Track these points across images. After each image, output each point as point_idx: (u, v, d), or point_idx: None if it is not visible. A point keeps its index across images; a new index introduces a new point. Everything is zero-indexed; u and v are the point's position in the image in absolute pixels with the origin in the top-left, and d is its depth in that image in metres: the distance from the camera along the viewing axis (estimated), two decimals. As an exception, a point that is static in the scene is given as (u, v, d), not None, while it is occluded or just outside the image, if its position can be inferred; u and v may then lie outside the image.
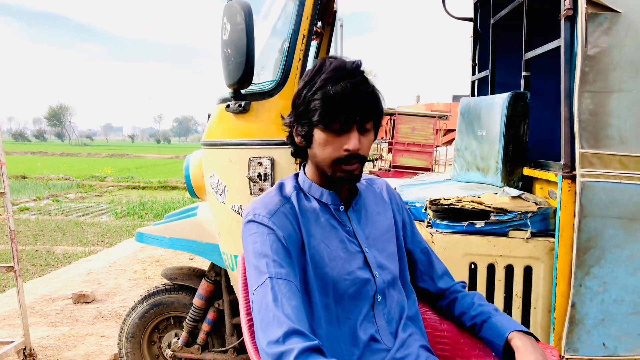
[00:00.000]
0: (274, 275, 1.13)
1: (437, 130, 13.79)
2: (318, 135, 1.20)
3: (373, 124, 1.23)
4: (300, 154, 1.31)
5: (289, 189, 1.32)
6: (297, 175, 1.36)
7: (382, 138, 16.48)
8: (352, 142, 1.17)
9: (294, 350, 1.01)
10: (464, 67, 3.50)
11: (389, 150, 13.95)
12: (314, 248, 1.23)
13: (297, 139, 1.28)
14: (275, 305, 1.09)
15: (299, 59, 2.01)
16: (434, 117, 13.68)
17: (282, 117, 1.32)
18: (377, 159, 14.94)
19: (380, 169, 14.12)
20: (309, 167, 1.32)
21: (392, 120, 13.79)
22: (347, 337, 1.23)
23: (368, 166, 15.86)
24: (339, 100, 1.15)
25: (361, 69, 1.20)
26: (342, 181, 1.23)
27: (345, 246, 1.27)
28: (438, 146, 14.28)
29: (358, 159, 1.20)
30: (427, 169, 12.86)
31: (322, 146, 1.20)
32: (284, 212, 1.24)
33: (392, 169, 13.17)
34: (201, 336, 2.53)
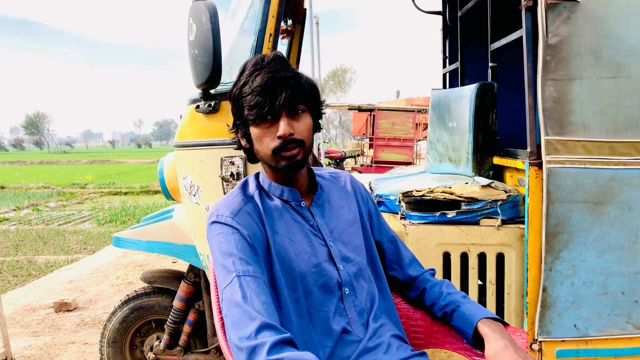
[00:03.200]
0: (242, 273, 1.15)
1: (416, 124, 13.90)
2: (253, 131, 1.23)
3: (306, 107, 1.24)
4: (252, 156, 1.33)
5: (252, 188, 1.33)
6: (258, 174, 1.38)
7: (363, 134, 16.56)
8: (281, 126, 1.19)
9: (266, 343, 1.02)
10: (440, 61, 3.54)
11: (370, 146, 14.02)
12: (279, 244, 1.25)
13: (242, 142, 1.31)
14: (244, 301, 1.10)
15: (267, 58, 2.02)
16: (413, 111, 13.79)
17: (228, 126, 1.34)
18: (358, 155, 15.01)
19: (362, 165, 14.19)
20: (264, 167, 1.34)
21: (372, 116, 13.86)
22: (319, 330, 1.25)
23: (350, 162, 15.93)
24: (259, 90, 1.18)
25: (281, 59, 1.23)
26: (286, 169, 1.24)
27: (310, 240, 1.29)
28: (419, 140, 14.38)
29: (296, 143, 1.21)
30: (409, 163, 12.95)
31: (259, 140, 1.23)
32: (247, 211, 1.25)
33: (373, 165, 13.24)
34: (183, 338, 2.52)
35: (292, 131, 1.20)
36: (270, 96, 1.18)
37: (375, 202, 2.07)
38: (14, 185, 17.77)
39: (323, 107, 1.34)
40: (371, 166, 13.30)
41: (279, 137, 1.20)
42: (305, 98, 1.23)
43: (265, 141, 1.22)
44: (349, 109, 15.02)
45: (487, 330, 1.25)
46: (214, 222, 1.24)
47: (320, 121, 1.35)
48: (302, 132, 1.22)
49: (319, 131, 1.34)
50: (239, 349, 1.06)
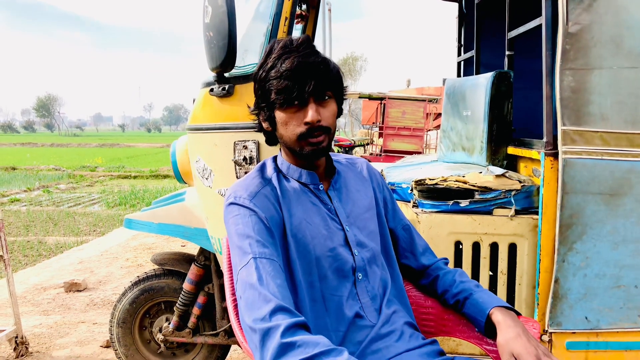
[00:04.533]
0: (258, 255, 1.15)
1: (427, 114, 13.81)
2: (279, 115, 1.22)
3: (332, 94, 1.24)
4: (272, 139, 1.33)
5: (270, 170, 1.33)
6: (276, 157, 1.37)
7: (373, 123, 16.49)
8: (310, 113, 1.18)
9: (280, 325, 1.03)
10: (454, 50, 3.50)
11: (380, 135, 13.96)
12: (296, 227, 1.25)
13: (264, 125, 1.30)
14: (260, 284, 1.10)
15: (282, 41, 2.01)
16: (424, 100, 13.69)
17: (249, 107, 1.33)
18: (368, 144, 14.96)
19: (371, 154, 14.15)
20: (284, 150, 1.34)
21: (383, 105, 13.78)
22: (332, 314, 1.25)
23: (359, 151, 15.89)
24: (289, 75, 1.16)
25: (310, 43, 1.22)
26: (311, 155, 1.24)
27: (327, 224, 1.29)
28: (429, 130, 14.31)
29: (322, 130, 1.21)
30: (418, 153, 12.90)
31: (285, 125, 1.22)
32: (264, 194, 1.25)
33: (383, 154, 13.20)
34: (192, 320, 2.54)
35: (319, 118, 1.19)
36: (299, 81, 1.17)
37: (389, 189, 2.06)
38: (25, 166, 17.92)
39: (346, 93, 1.33)
40: (380, 155, 13.26)
41: (306, 124, 1.19)
42: (332, 84, 1.23)
43: (291, 126, 1.21)
44: (359, 97, 14.96)
45: (500, 318, 1.24)
46: (231, 203, 1.24)
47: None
48: (328, 118, 1.22)
49: (340, 116, 1.33)
50: (252, 331, 1.06)
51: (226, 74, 2.01)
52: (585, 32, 1.82)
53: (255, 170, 1.34)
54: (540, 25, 1.98)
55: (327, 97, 1.22)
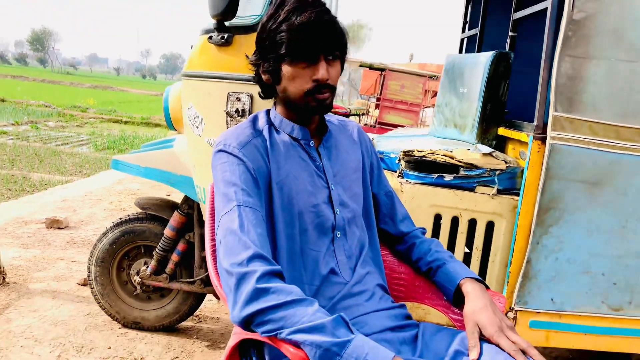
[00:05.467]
0: (242, 203, 1.17)
1: (426, 90, 13.72)
2: (286, 69, 1.21)
3: (340, 54, 1.24)
4: (269, 92, 1.33)
5: (262, 123, 1.33)
6: (269, 111, 1.37)
7: (371, 94, 16.38)
8: (321, 71, 1.19)
9: (257, 271, 1.06)
10: (459, 27, 3.47)
11: (377, 107, 13.89)
12: (282, 180, 1.26)
13: (264, 77, 1.29)
14: (241, 230, 1.12)
15: (286, -5, 1.98)
16: (425, 76, 13.59)
17: (247, 57, 1.32)
18: (363, 114, 14.90)
19: (365, 124, 14.10)
20: (279, 104, 1.34)
21: (383, 77, 13.66)
22: (309, 267, 1.28)
23: (354, 121, 15.81)
24: (304, 30, 1.16)
25: (322, 1, 1.22)
26: (315, 110, 1.26)
27: (313, 180, 1.30)
28: (426, 107, 14.26)
29: (328, 88, 1.22)
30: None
31: (291, 80, 1.22)
32: (255, 144, 1.26)
33: (377, 126, 13.16)
34: (170, 266, 2.58)
35: (328, 76, 1.20)
36: (313, 37, 1.17)
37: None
38: (14, 99, 17.64)
39: (347, 57, 1.33)
40: (374, 127, 13.22)
41: (315, 80, 1.20)
42: (342, 45, 1.23)
43: (298, 81, 1.21)
44: (360, 66, 14.79)
45: (469, 288, 1.28)
46: (220, 150, 1.25)
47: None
48: (334, 77, 1.23)
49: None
50: (229, 274, 1.09)
51: (226, 23, 1.99)
52: (589, 20, 1.82)
53: (248, 121, 1.34)
54: (545, 9, 1.97)
55: (335, 57, 1.23)
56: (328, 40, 1.19)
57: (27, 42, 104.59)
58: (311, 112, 1.27)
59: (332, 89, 1.24)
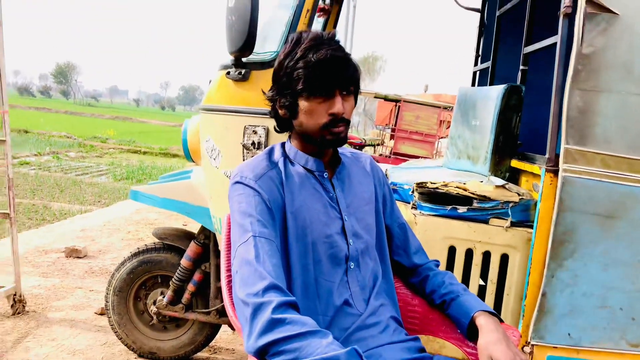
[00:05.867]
0: (258, 234, 1.20)
1: (441, 121, 13.76)
2: (303, 104, 1.26)
3: (353, 89, 1.30)
4: (284, 126, 1.38)
5: (277, 155, 1.38)
6: (284, 143, 1.42)
7: (386, 124, 16.46)
8: (337, 106, 1.25)
9: (272, 302, 1.08)
10: (472, 60, 3.52)
11: (392, 137, 13.95)
12: (296, 211, 1.29)
13: (280, 112, 1.34)
14: (257, 261, 1.15)
15: (302, 33, 2.05)
16: (439, 107, 13.65)
17: (264, 92, 1.37)
18: (378, 145, 14.96)
19: (380, 155, 14.14)
20: (294, 137, 1.38)
21: (397, 107, 13.76)
22: (323, 298, 1.30)
23: (369, 151, 15.90)
24: (321, 66, 1.22)
25: (337, 38, 1.29)
26: (330, 143, 1.31)
27: (327, 211, 1.34)
28: (441, 137, 14.26)
29: (343, 121, 1.28)
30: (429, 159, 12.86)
31: (308, 114, 1.27)
32: (270, 176, 1.30)
33: (392, 156, 13.19)
34: (186, 296, 2.60)
35: (344, 111, 1.26)
36: (329, 73, 1.23)
37: (390, 188, 2.09)
38: (37, 130, 18.08)
39: (360, 91, 1.39)
40: (389, 157, 13.25)
41: (331, 115, 1.25)
42: (356, 80, 1.29)
43: (315, 116, 1.26)
44: (375, 97, 14.93)
45: (483, 321, 1.29)
46: (237, 182, 1.29)
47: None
48: (349, 112, 1.29)
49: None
50: (244, 304, 1.11)
51: (244, 59, 2.06)
52: (598, 54, 1.84)
53: (264, 153, 1.39)
54: (555, 44, 2.01)
55: (350, 92, 1.29)
56: (343, 76, 1.25)
57: (51, 75, 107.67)
58: (327, 145, 1.31)
59: (347, 123, 1.29)
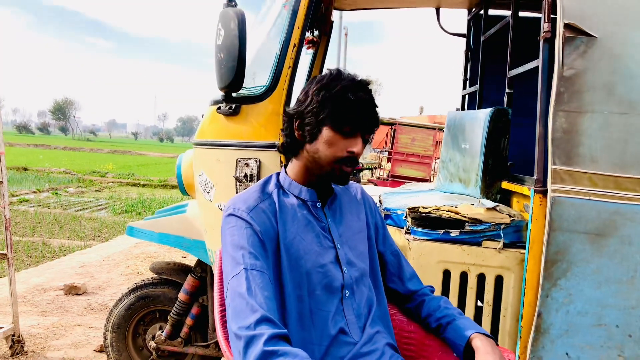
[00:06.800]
0: (249, 267, 1.22)
1: (437, 142, 13.88)
2: (326, 133, 1.30)
3: (369, 136, 1.37)
4: (291, 148, 1.40)
5: (272, 186, 1.41)
6: (278, 174, 1.45)
7: (382, 147, 16.57)
8: (358, 146, 1.31)
9: (264, 335, 1.09)
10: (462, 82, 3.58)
11: (389, 160, 14.03)
12: (289, 241, 1.31)
13: (296, 133, 1.36)
14: (249, 294, 1.17)
15: (289, 67, 2.11)
16: (434, 129, 13.78)
17: (285, 110, 1.42)
18: (375, 168, 15.02)
19: (378, 178, 14.19)
20: (295, 165, 1.41)
21: (393, 130, 13.88)
22: (318, 327, 1.31)
23: (366, 175, 15.95)
24: (356, 106, 1.27)
25: (370, 87, 1.36)
26: (337, 179, 1.35)
27: (319, 241, 1.36)
28: (437, 158, 14.35)
29: (355, 162, 1.33)
30: (425, 180, 12.93)
31: (328, 144, 1.30)
32: (262, 208, 1.33)
33: (390, 179, 13.25)
34: (184, 330, 2.60)
35: (361, 152, 1.33)
36: (360, 115, 1.29)
37: (383, 215, 2.13)
38: (36, 168, 18.15)
39: None
40: (387, 180, 13.31)
41: (349, 152, 1.30)
42: (376, 128, 1.37)
43: (334, 148, 1.30)
44: (370, 121, 15.05)
45: (479, 343, 1.30)
46: (230, 214, 1.32)
47: None
48: (361, 154, 1.35)
49: None
50: (237, 337, 1.12)
51: (234, 94, 2.11)
52: (579, 76, 1.89)
53: (258, 184, 1.42)
54: (537, 67, 2.06)
55: (367, 138, 1.36)
56: (371, 122, 1.32)
57: (50, 112, 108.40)
58: (333, 179, 1.36)
59: (356, 164, 1.35)
